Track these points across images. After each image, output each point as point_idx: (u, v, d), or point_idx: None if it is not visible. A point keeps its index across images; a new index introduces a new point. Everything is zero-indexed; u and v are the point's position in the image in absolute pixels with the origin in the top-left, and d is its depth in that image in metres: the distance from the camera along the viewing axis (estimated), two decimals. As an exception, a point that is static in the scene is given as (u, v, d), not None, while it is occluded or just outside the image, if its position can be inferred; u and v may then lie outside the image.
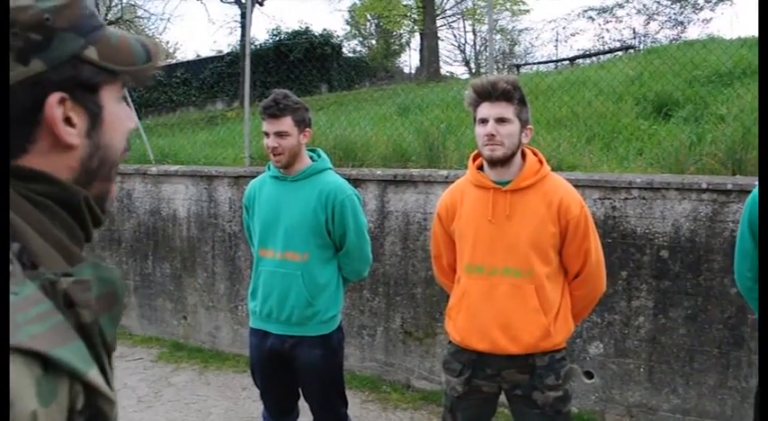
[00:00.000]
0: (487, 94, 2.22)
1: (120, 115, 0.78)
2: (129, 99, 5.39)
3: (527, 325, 2.20)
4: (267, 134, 2.60)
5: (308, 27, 17.80)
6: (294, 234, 2.62)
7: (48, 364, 0.56)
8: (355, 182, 4.70)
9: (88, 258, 0.71)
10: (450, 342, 2.41)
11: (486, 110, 2.22)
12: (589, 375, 4.03)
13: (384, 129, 5.30)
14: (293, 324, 2.64)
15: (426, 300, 4.45)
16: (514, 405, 2.32)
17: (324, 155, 2.81)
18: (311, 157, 2.77)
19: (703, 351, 3.72)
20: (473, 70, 22.78)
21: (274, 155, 2.61)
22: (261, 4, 16.31)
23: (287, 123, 2.57)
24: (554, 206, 2.22)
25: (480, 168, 2.37)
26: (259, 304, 2.70)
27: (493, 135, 2.20)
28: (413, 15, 18.38)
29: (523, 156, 2.33)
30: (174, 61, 20.80)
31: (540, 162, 2.33)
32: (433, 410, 4.05)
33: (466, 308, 2.31)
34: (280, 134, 2.57)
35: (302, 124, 2.63)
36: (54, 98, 0.68)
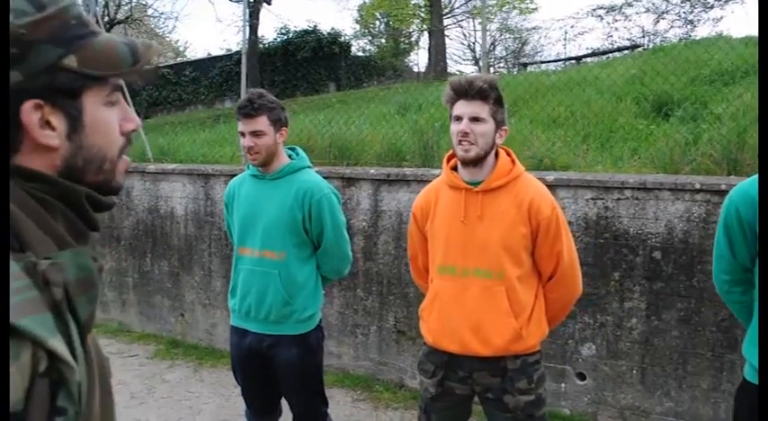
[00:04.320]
0: (464, 91, 2.20)
1: (105, 117, 0.84)
2: (133, 98, 5.41)
3: (497, 327, 2.17)
4: (243, 134, 2.59)
5: (315, 26, 17.83)
6: (272, 232, 2.62)
7: (13, 330, 0.65)
8: (349, 181, 4.70)
9: (75, 247, 0.80)
10: (424, 343, 2.39)
11: (461, 107, 2.20)
12: (581, 377, 3.99)
13: (380, 128, 5.28)
14: (271, 322, 2.63)
15: (419, 300, 4.42)
16: (487, 408, 2.29)
17: (302, 153, 2.79)
18: (290, 156, 2.76)
19: (696, 353, 3.68)
20: (481, 69, 22.70)
21: (250, 154, 2.60)
22: (269, 3, 16.33)
23: (262, 123, 2.56)
24: (524, 207, 2.20)
25: (455, 168, 2.34)
26: (238, 302, 2.70)
27: (466, 133, 2.18)
28: (421, 14, 18.33)
29: (498, 156, 2.30)
30: (183, 60, 20.89)
31: (513, 162, 2.30)
32: (423, 410, 4.02)
33: (438, 309, 2.29)
34: (255, 133, 2.57)
35: (278, 123, 2.62)
36: (28, 105, 0.76)
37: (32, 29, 0.75)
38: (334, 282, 4.73)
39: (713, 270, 2.14)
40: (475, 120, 2.18)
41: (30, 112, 0.76)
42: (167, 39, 22.95)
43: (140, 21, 18.64)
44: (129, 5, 18.25)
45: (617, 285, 3.88)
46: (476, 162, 2.22)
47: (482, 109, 2.18)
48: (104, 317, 5.90)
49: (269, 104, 2.58)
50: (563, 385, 4.03)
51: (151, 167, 5.71)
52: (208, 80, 17.65)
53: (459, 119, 2.20)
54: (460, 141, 2.20)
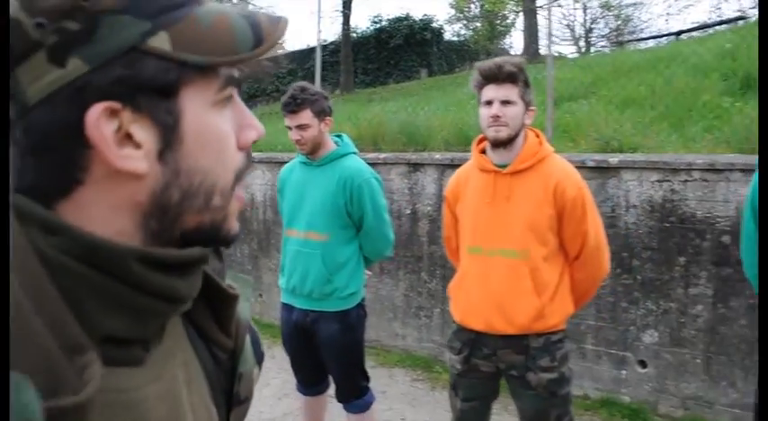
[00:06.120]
0: (494, 76, 2.25)
1: (215, 125, 0.56)
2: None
3: (520, 306, 2.21)
4: (289, 128, 2.76)
5: (408, 13, 17.89)
6: (316, 215, 2.77)
7: None
8: (415, 166, 4.79)
9: (89, 356, 0.48)
10: (454, 321, 2.47)
11: (491, 92, 2.25)
12: (643, 364, 3.89)
13: (449, 114, 5.32)
14: (314, 299, 2.79)
15: (481, 283, 4.47)
16: (511, 385, 2.33)
17: (347, 140, 2.93)
18: (336, 143, 2.89)
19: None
20: (582, 49, 21.88)
21: (299, 145, 2.77)
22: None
23: (306, 116, 2.72)
24: (550, 188, 2.22)
25: (483, 152, 2.39)
26: (285, 280, 2.89)
27: (498, 116, 2.23)
28: (515, -5, 17.96)
29: (526, 138, 2.33)
30: (281, 52, 21.60)
31: (540, 144, 2.32)
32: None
33: (465, 288, 2.36)
34: (301, 127, 2.73)
35: (321, 114, 2.76)
36: (97, 109, 0.49)
37: None
38: (400, 265, 4.86)
39: (743, 252, 2.08)
40: (506, 103, 2.23)
41: (99, 122, 0.49)
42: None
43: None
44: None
45: (682, 271, 3.74)
46: (506, 143, 2.27)
47: (512, 92, 2.23)
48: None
49: (311, 97, 2.73)
50: (623, 372, 3.95)
51: (234, 156, 6.06)
52: (304, 71, 18.19)
53: (489, 103, 2.25)
54: (492, 124, 2.25)
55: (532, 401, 2.27)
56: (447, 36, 19.77)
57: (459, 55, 18.98)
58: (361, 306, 2.90)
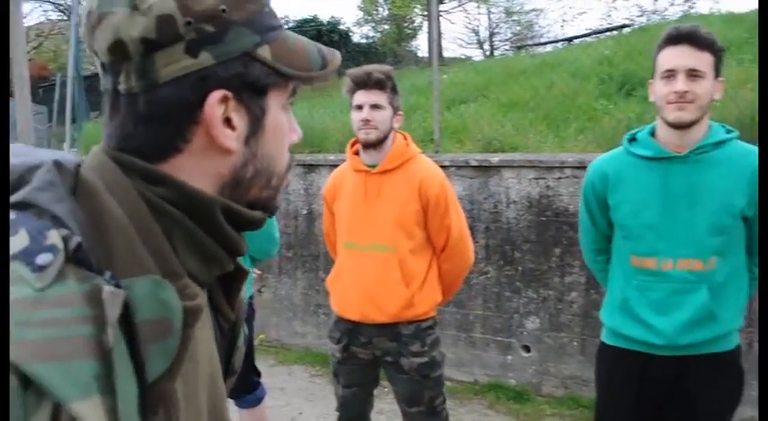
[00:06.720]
0: (363, 82, 2.39)
1: (283, 124, 0.71)
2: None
3: (390, 296, 2.36)
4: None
5: (315, 15, 17.94)
6: None
7: (24, 377, 0.47)
8: (310, 167, 4.89)
9: (184, 281, 0.61)
10: (334, 312, 2.60)
11: (361, 97, 2.39)
12: (527, 349, 4.16)
13: (344, 116, 5.45)
14: None
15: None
16: (387, 371, 2.49)
17: None
18: None
19: (633, 324, 3.83)
20: (487, 52, 22.64)
21: None
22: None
23: None
24: (415, 186, 2.38)
25: (357, 153, 2.53)
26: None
27: (368, 120, 2.36)
28: (421, -1, 18.36)
29: (395, 140, 2.48)
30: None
31: (407, 145, 2.48)
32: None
33: (342, 281, 2.50)
34: None
35: None
36: (216, 95, 0.63)
37: (234, 6, 0.64)
38: (298, 265, 4.95)
39: (581, 244, 2.31)
40: (375, 107, 2.37)
41: (215, 105, 0.63)
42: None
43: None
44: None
45: (558, 261, 4.03)
46: (376, 145, 2.41)
47: (380, 97, 2.38)
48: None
49: None
50: (509, 357, 4.21)
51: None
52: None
53: (360, 107, 2.39)
54: (362, 127, 2.38)
55: (406, 385, 2.43)
56: (355, 38, 19.96)
57: (366, 57, 19.17)
58: (249, 303, 2.97)
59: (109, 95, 0.65)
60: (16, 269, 0.51)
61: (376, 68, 2.43)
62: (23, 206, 0.57)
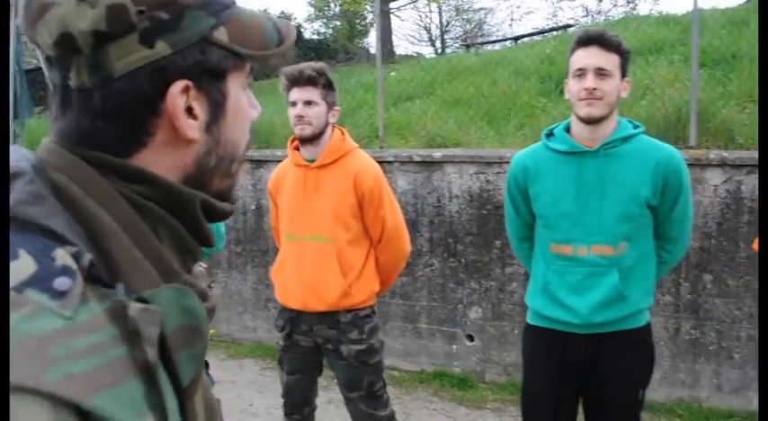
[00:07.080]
0: (296, 79, 2.48)
1: (244, 105, 0.68)
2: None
3: (329, 285, 2.47)
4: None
5: (266, 10, 17.85)
6: None
7: (84, 414, 0.45)
8: (258, 163, 4.95)
9: (184, 277, 0.61)
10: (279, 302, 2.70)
11: (295, 94, 2.49)
12: (470, 338, 4.33)
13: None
14: None
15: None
16: (328, 357, 2.60)
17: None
18: None
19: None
20: (438, 50, 22.89)
21: None
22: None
23: None
24: (351, 179, 2.49)
25: (297, 149, 2.62)
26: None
27: (302, 116, 2.46)
28: (371, -4, 18.46)
29: (332, 135, 2.59)
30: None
31: (344, 140, 2.59)
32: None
33: (284, 271, 2.60)
34: None
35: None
36: (177, 86, 0.59)
37: None
38: (248, 260, 5.01)
39: (507, 232, 2.46)
40: (308, 103, 2.46)
41: (177, 96, 0.59)
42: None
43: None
44: None
45: (499, 252, 4.20)
46: (312, 140, 2.51)
47: (313, 93, 2.47)
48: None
49: None
50: (454, 346, 4.36)
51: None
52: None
53: (294, 104, 2.48)
54: (297, 123, 2.48)
55: (346, 370, 2.54)
56: (306, 34, 19.91)
57: (318, 53, 19.17)
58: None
59: (58, 90, 0.60)
60: (34, 298, 0.47)
61: (309, 65, 2.52)
62: (14, 223, 0.52)
